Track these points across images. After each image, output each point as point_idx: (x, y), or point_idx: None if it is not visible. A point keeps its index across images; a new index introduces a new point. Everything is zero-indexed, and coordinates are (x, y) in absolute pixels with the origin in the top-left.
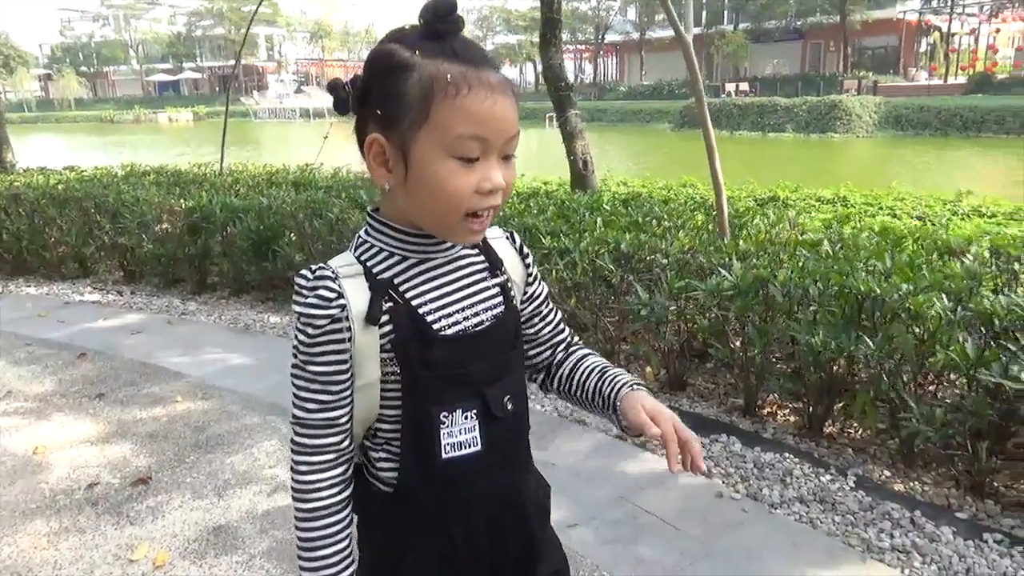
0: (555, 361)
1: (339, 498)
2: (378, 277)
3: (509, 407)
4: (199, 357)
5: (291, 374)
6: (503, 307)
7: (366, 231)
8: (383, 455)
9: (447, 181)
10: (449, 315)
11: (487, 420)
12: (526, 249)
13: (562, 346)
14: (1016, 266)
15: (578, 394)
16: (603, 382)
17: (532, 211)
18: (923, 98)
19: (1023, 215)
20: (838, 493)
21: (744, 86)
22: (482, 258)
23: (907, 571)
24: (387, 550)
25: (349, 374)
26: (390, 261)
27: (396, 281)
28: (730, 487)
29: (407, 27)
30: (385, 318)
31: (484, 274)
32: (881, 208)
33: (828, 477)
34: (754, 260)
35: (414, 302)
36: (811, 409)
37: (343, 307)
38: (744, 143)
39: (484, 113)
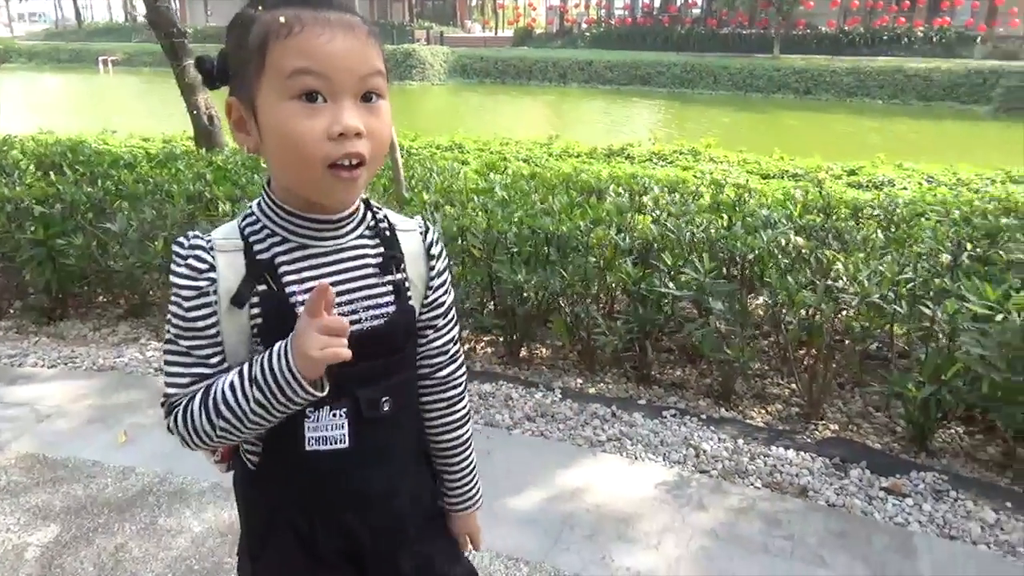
0: (424, 385)
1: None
2: (258, 256)
3: (386, 408)
4: None
5: (164, 350)
6: (393, 308)
7: (257, 204)
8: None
9: (289, 125)
10: None
11: (358, 420)
12: (436, 248)
13: (441, 373)
14: (643, 199)
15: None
16: (449, 482)
17: (184, 175)
18: (482, 49)
19: (598, 154)
20: (552, 406)
21: None
22: (380, 251)
23: (624, 453)
24: (253, 524)
25: (222, 349)
26: (272, 240)
27: (277, 262)
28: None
29: None
30: (255, 301)
31: (374, 270)
32: (492, 152)
33: (540, 394)
34: (448, 209)
35: (289, 289)
36: (510, 339)
37: (212, 280)
38: None
39: (319, 48)
